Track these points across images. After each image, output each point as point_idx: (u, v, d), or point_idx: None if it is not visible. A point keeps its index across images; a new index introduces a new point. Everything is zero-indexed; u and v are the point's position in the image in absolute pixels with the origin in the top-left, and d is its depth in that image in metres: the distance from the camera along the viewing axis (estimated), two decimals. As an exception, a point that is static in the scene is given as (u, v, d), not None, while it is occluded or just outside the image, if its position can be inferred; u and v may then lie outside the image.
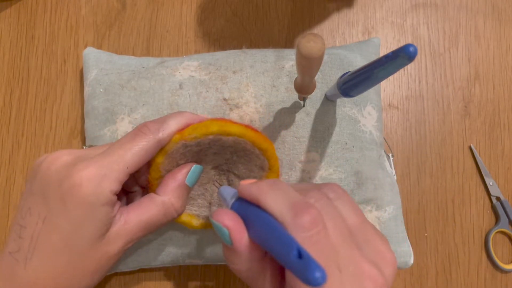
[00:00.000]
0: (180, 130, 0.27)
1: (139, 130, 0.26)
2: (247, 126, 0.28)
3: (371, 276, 0.21)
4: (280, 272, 0.23)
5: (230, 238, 0.22)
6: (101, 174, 0.24)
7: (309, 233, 0.20)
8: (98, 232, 0.24)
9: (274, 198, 0.21)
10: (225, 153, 0.29)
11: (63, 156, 0.25)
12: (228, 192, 0.25)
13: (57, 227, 0.24)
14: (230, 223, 0.22)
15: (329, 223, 0.21)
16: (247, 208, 0.22)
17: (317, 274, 0.15)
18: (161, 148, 0.27)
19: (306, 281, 0.15)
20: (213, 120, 0.27)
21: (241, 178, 0.30)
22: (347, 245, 0.21)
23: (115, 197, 0.25)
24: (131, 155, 0.25)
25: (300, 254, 0.16)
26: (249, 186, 0.23)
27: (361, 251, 0.22)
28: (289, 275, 0.20)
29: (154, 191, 0.28)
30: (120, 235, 0.25)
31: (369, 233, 0.24)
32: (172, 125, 0.27)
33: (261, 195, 0.22)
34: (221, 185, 0.30)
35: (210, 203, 0.31)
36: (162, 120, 0.27)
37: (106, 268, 0.26)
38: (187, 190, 0.28)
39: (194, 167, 0.28)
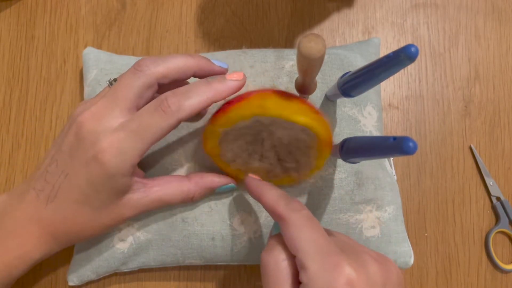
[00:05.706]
0: (214, 117, 0.28)
1: (159, 106, 0.25)
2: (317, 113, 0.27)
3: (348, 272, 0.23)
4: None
5: None
6: (124, 152, 0.25)
7: (302, 212, 0.24)
8: (114, 197, 0.27)
9: (270, 193, 0.26)
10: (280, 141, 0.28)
11: (95, 117, 0.26)
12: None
13: (77, 187, 0.26)
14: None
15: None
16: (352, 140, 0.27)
17: (410, 144, 0.19)
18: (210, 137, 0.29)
19: (404, 152, 0.19)
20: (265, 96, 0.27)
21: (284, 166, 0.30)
22: (327, 242, 0.25)
23: (134, 168, 0.27)
24: (151, 135, 0.26)
25: (394, 138, 0.20)
26: (255, 182, 0.28)
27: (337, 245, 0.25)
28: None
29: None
30: (138, 204, 0.28)
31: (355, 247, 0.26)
32: (194, 104, 0.26)
33: (263, 191, 0.27)
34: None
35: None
36: (185, 93, 0.26)
37: (118, 225, 0.29)
38: (211, 193, 0.32)
39: (232, 186, 0.31)
